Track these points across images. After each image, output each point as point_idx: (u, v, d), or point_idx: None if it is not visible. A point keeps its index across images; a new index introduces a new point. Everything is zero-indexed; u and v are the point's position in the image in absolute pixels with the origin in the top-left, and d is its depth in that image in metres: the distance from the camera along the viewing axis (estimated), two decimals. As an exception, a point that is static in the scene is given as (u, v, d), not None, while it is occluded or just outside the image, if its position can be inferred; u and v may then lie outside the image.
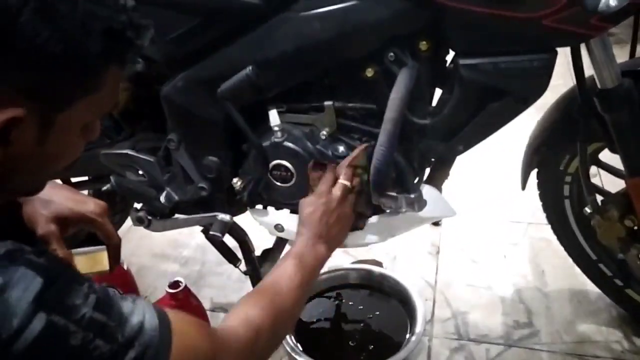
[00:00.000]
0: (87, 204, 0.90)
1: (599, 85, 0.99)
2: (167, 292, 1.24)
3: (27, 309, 0.49)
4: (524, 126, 1.16)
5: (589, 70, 1.01)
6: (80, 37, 0.51)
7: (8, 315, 0.49)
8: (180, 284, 1.22)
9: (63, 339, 0.51)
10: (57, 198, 0.88)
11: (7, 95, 0.51)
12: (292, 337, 1.32)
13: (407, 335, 1.32)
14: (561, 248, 1.37)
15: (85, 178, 1.48)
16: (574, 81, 1.04)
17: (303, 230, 0.97)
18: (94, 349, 0.53)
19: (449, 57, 1.04)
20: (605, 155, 1.18)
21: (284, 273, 0.88)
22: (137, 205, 1.30)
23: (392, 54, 0.98)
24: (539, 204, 1.34)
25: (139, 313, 0.59)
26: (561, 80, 1.29)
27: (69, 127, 0.56)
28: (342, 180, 1.01)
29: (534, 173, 1.28)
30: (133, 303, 0.60)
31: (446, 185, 1.21)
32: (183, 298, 1.23)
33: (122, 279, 1.37)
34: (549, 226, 1.36)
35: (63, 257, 0.86)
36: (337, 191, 1.00)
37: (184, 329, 0.64)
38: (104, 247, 0.92)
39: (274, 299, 0.82)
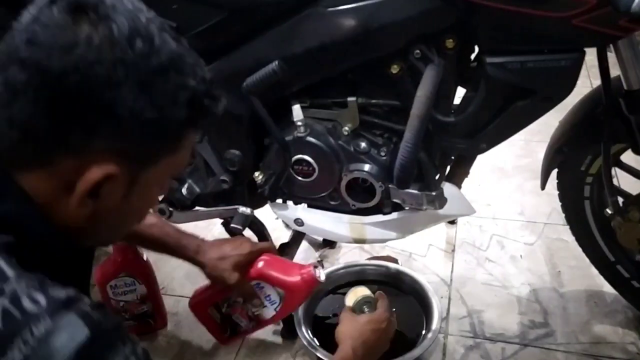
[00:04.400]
0: (245, 244, 1.11)
1: (625, 87, 0.99)
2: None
3: (67, 358, 0.50)
4: (543, 126, 1.16)
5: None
6: (170, 105, 0.57)
7: (49, 358, 0.50)
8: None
9: None
10: (224, 252, 1.08)
11: (103, 154, 0.56)
12: (309, 332, 1.33)
13: (423, 332, 1.32)
14: (578, 249, 1.37)
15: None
16: (591, 82, 1.04)
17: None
18: None
19: (472, 55, 1.04)
20: (626, 157, 1.18)
21: None
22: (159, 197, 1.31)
23: (418, 51, 0.98)
24: (555, 204, 1.34)
25: None
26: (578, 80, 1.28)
27: (150, 184, 0.62)
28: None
29: (553, 173, 1.28)
30: None
31: (464, 183, 1.22)
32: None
33: (141, 269, 1.38)
34: (565, 227, 1.36)
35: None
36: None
37: None
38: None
39: None
